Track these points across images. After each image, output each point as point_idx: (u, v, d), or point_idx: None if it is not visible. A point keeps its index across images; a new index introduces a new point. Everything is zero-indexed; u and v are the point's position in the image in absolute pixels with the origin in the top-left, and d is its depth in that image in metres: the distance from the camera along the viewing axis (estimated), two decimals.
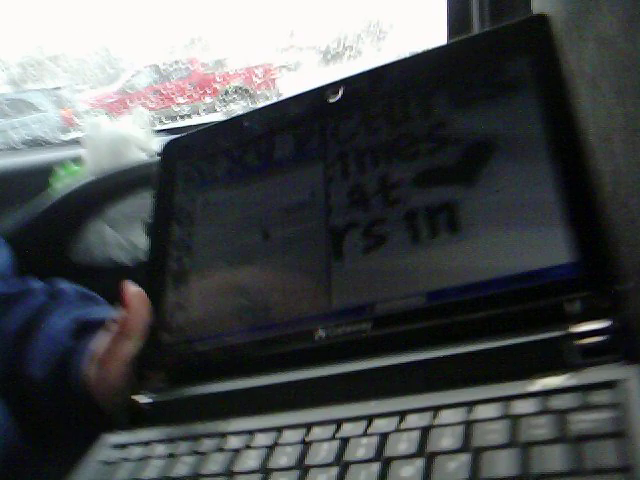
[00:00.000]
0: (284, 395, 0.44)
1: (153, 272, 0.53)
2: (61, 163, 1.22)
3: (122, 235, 1.11)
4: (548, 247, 0.40)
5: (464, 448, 0.34)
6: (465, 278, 0.42)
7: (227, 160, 0.54)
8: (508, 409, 0.36)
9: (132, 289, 0.50)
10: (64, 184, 1.15)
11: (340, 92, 0.51)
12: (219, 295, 0.50)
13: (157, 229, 0.54)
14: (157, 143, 1.17)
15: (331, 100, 0.51)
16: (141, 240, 1.10)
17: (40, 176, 1.19)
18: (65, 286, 0.65)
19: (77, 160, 1.20)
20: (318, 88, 0.52)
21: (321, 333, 0.45)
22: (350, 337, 0.44)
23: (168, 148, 0.57)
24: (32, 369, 0.57)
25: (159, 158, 0.57)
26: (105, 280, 0.65)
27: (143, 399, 0.49)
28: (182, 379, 0.49)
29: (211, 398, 0.47)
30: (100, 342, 0.52)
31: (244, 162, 0.53)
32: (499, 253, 0.42)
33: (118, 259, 1.10)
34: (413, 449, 0.35)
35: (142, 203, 1.09)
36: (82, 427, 0.52)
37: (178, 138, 0.57)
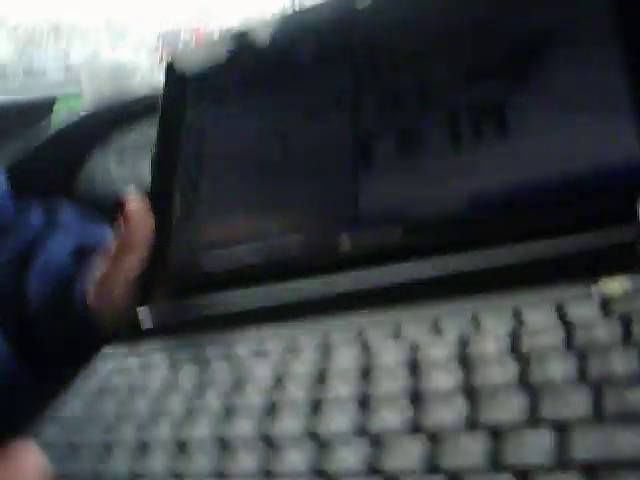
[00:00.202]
0: (300, 305, 0.39)
1: (159, 183, 0.48)
2: (61, 96, 1.17)
3: (127, 167, 1.07)
4: (614, 142, 0.35)
5: (509, 354, 0.29)
6: (513, 180, 0.37)
7: (242, 69, 0.49)
8: (563, 313, 0.30)
9: (132, 202, 0.45)
10: (64, 117, 1.09)
11: None
12: (232, 204, 0.45)
13: (164, 142, 0.49)
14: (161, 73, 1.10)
15: (360, 6, 0.45)
16: (147, 172, 1.06)
17: (40, 109, 1.14)
18: (65, 207, 0.61)
19: (77, 94, 1.14)
20: None
21: (345, 241, 0.40)
22: (380, 248, 0.39)
23: (176, 59, 0.52)
24: (31, 296, 0.53)
25: (166, 69, 0.52)
26: (109, 214, 0.60)
27: (145, 312, 0.44)
28: (189, 295, 0.44)
29: (219, 308, 0.42)
30: (101, 262, 0.48)
31: (261, 70, 0.48)
32: (553, 152, 0.36)
33: (122, 192, 1.05)
34: (451, 355, 0.30)
35: (148, 134, 1.03)
36: (85, 353, 0.47)
37: (187, 48, 0.52)
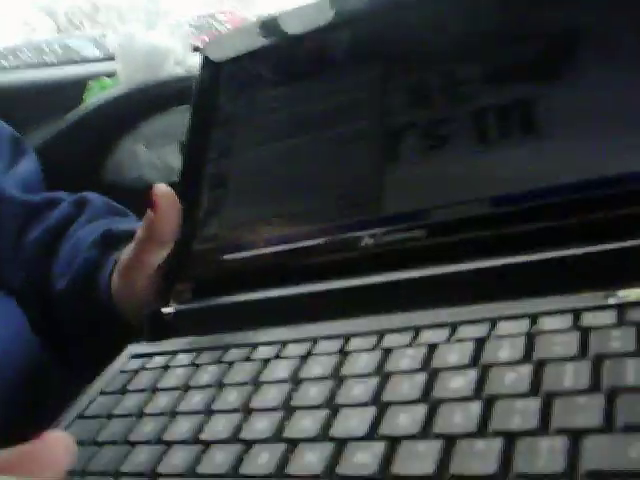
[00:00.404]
0: (321, 305, 0.40)
1: (188, 175, 0.49)
2: (95, 77, 1.14)
3: (156, 154, 1.06)
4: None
5: (525, 360, 0.29)
6: (538, 182, 0.37)
7: (275, 57, 0.50)
8: (579, 320, 0.30)
9: (162, 189, 0.46)
10: (96, 98, 1.08)
11: None
12: (259, 200, 0.46)
13: (195, 131, 0.50)
14: (195, 58, 1.09)
15: None
16: (176, 161, 1.05)
17: (74, 90, 1.12)
18: (92, 196, 0.61)
19: (111, 75, 1.13)
20: None
21: (368, 240, 0.40)
22: (401, 245, 0.39)
23: (212, 46, 0.53)
24: (55, 281, 0.54)
25: (201, 56, 0.52)
26: (136, 201, 0.61)
27: (169, 309, 0.45)
28: (212, 290, 0.44)
29: (241, 307, 0.42)
30: (126, 251, 0.48)
31: (295, 59, 0.49)
32: (580, 157, 0.36)
33: (150, 179, 1.04)
34: (465, 360, 0.31)
35: (179, 121, 1.03)
36: (107, 341, 0.48)
37: (223, 35, 0.53)
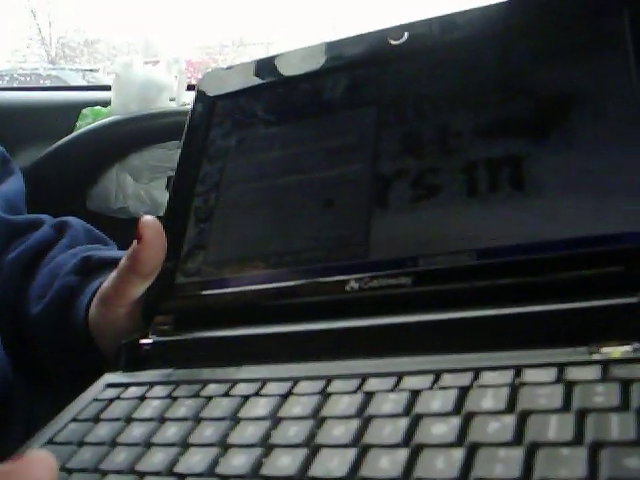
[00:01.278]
0: (304, 345, 0.39)
1: (175, 207, 0.49)
2: (89, 105, 1.16)
3: (143, 187, 1.06)
4: (624, 211, 0.36)
5: (509, 410, 0.29)
6: (524, 237, 0.37)
7: (270, 97, 0.50)
8: (562, 374, 0.31)
9: (149, 220, 0.45)
10: (88, 125, 1.09)
11: (405, 35, 0.47)
12: (245, 237, 0.46)
13: (185, 163, 0.50)
14: (189, 95, 1.10)
15: (394, 42, 0.47)
16: (162, 196, 1.04)
17: (67, 116, 1.13)
18: (74, 221, 0.61)
19: (106, 104, 1.14)
20: (381, 30, 0.47)
21: (353, 284, 0.40)
22: (386, 291, 0.39)
23: (207, 79, 0.53)
24: (31, 305, 0.53)
25: (196, 89, 0.53)
26: (118, 231, 0.60)
27: (147, 340, 0.44)
28: (193, 324, 0.44)
29: (221, 343, 0.42)
30: (108, 279, 0.48)
31: (289, 100, 0.49)
32: (564, 213, 0.37)
33: (135, 211, 1.04)
34: (449, 407, 0.30)
35: (168, 156, 1.03)
36: (81, 369, 0.47)
37: (219, 69, 0.53)
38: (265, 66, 0.51)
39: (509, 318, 0.35)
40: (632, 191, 0.36)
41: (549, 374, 0.31)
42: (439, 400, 0.31)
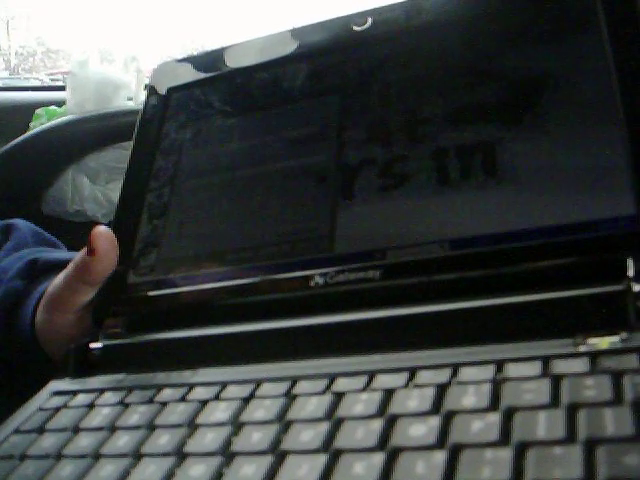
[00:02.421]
0: (266, 346, 0.37)
1: (126, 204, 0.46)
2: (43, 105, 1.12)
3: (100, 189, 1.02)
4: (606, 196, 0.34)
5: (492, 407, 0.27)
6: (499, 226, 0.35)
7: (228, 88, 0.47)
8: (548, 368, 0.28)
9: (102, 231, 0.42)
10: (42, 125, 1.04)
11: (369, 21, 0.44)
12: (201, 234, 0.43)
13: (137, 158, 0.47)
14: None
15: (357, 28, 0.44)
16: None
17: (21, 117, 1.10)
18: (21, 224, 0.57)
19: (61, 104, 1.10)
20: (344, 16, 0.45)
21: (318, 279, 0.38)
22: (353, 286, 0.37)
23: (160, 71, 0.50)
24: None
25: (149, 82, 0.50)
26: (74, 234, 0.57)
27: (96, 344, 0.41)
28: (146, 326, 0.41)
29: (177, 345, 0.39)
30: (54, 284, 0.44)
31: (248, 90, 0.47)
32: (543, 200, 0.35)
33: (92, 214, 1.00)
34: (426, 406, 0.28)
35: (126, 156, 0.99)
36: (27, 376, 0.44)
37: (173, 61, 0.50)
38: (222, 56, 0.48)
39: (487, 310, 0.33)
40: (611, 176, 0.34)
41: (533, 368, 0.29)
42: (415, 399, 0.29)
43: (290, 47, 0.46)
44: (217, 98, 0.47)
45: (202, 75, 0.48)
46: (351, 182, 0.40)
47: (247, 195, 0.42)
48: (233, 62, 0.48)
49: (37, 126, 1.06)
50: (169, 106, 0.48)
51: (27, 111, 1.11)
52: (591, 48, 0.38)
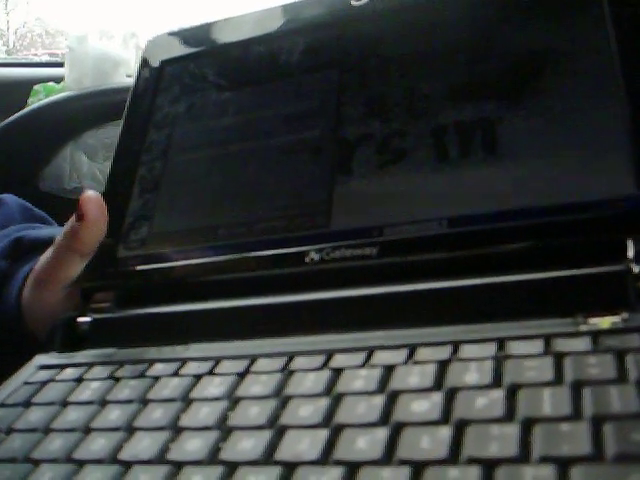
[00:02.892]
0: (260, 321, 0.36)
1: (117, 176, 0.45)
2: (42, 81, 1.10)
3: (98, 166, 1.00)
4: (607, 176, 0.33)
5: (495, 384, 0.27)
6: (498, 204, 0.35)
7: (223, 61, 0.46)
8: (550, 346, 0.28)
9: (92, 196, 0.41)
10: (40, 102, 1.03)
11: None
12: (194, 206, 0.42)
13: (129, 130, 0.46)
14: None
15: (355, 3, 0.44)
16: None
17: (19, 93, 1.09)
18: (8, 199, 0.56)
19: (59, 81, 1.08)
20: None
21: (314, 255, 0.37)
22: (349, 263, 0.36)
23: (153, 44, 0.49)
24: None
25: (142, 54, 0.49)
26: (72, 213, 0.56)
27: (85, 318, 0.40)
28: (137, 301, 0.40)
29: (168, 319, 0.38)
30: (42, 259, 0.43)
31: (243, 64, 0.46)
32: (543, 178, 0.35)
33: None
34: (428, 383, 0.28)
35: None
36: (14, 356, 0.43)
37: (167, 34, 0.49)
38: (217, 29, 0.48)
39: (486, 289, 0.33)
40: (612, 155, 0.34)
41: (535, 346, 0.28)
42: (416, 376, 0.28)
43: (287, 21, 0.45)
44: (211, 71, 0.46)
45: (196, 48, 0.48)
46: (349, 158, 0.39)
47: (242, 170, 0.42)
48: (228, 35, 0.47)
49: (35, 102, 1.05)
50: (162, 79, 0.47)
51: (25, 87, 1.09)
52: (593, 23, 0.37)
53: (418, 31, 0.41)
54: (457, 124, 0.38)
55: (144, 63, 0.48)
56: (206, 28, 0.48)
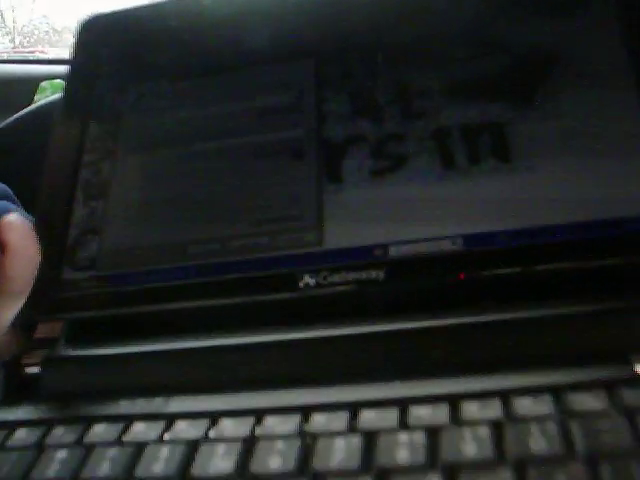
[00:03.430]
0: (228, 370, 0.31)
1: (53, 181, 0.38)
2: (49, 79, 1.12)
3: None
4: (635, 185, 0.30)
5: (568, 453, 0.23)
6: (519, 219, 0.31)
7: (177, 45, 0.40)
8: (616, 397, 0.25)
9: (13, 219, 0.33)
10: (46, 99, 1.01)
11: None
12: (153, 217, 0.36)
13: (64, 126, 0.39)
14: None
15: None
16: None
17: (25, 89, 1.11)
18: None
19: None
20: None
21: (308, 280, 0.32)
22: (351, 287, 0.31)
23: (90, 24, 0.42)
24: None
25: (76, 36, 0.41)
26: None
27: (29, 361, 0.33)
28: (93, 335, 0.34)
29: (122, 361, 0.32)
30: None
31: (202, 49, 0.39)
32: (561, 192, 0.31)
33: None
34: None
35: None
36: None
37: (107, 14, 0.41)
38: (170, 8, 0.40)
39: (512, 324, 0.29)
40: (632, 161, 0.30)
41: (598, 398, 0.25)
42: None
43: (256, 1, 0.39)
44: (164, 57, 0.39)
45: (144, 31, 0.40)
46: (338, 162, 0.34)
47: (210, 174, 0.36)
48: (186, 16, 0.40)
49: (42, 99, 1.04)
50: (102, 66, 0.40)
51: (32, 84, 1.11)
52: (606, 18, 0.34)
53: (410, 17, 0.36)
54: (462, 127, 0.33)
55: (79, 47, 0.41)
56: (156, 7, 0.41)
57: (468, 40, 0.35)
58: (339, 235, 0.33)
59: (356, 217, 0.33)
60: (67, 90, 0.40)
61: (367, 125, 0.34)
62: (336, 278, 0.32)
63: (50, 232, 0.35)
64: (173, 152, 0.37)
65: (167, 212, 0.36)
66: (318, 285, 0.32)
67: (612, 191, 0.30)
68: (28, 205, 0.57)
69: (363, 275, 0.31)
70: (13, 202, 0.53)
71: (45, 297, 0.35)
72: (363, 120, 0.35)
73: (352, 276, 0.31)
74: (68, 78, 0.40)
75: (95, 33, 0.41)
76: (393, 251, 0.32)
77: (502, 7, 0.35)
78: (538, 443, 0.23)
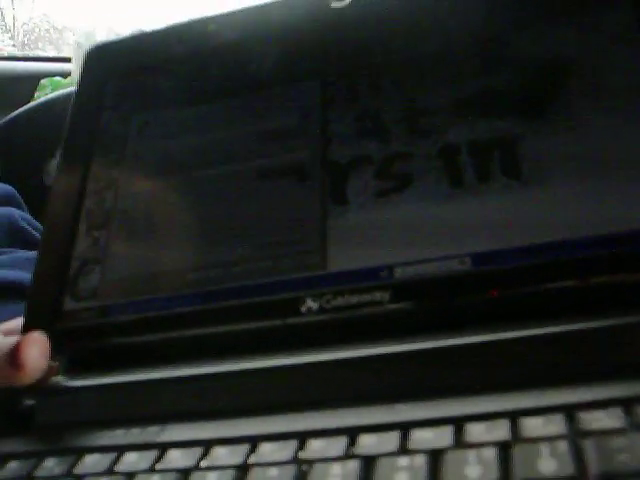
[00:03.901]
0: (225, 398, 0.29)
1: (58, 210, 0.37)
2: (49, 76, 1.14)
3: None
4: None
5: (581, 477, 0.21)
6: (532, 237, 0.29)
7: (181, 72, 0.40)
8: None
9: (34, 336, 0.32)
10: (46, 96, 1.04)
11: None
12: (156, 245, 0.35)
13: (70, 155, 0.39)
14: None
15: (336, 5, 0.38)
16: None
17: (26, 87, 1.13)
18: (4, 212, 0.49)
19: (67, 76, 1.12)
20: None
21: (311, 304, 0.31)
22: (357, 311, 0.30)
23: (96, 53, 0.42)
24: None
25: (81, 65, 0.42)
26: None
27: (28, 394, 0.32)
28: (93, 366, 0.33)
29: (119, 390, 0.31)
30: None
31: (206, 75, 0.39)
32: (580, 207, 0.29)
33: None
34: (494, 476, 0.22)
35: None
36: None
37: (111, 42, 0.42)
38: (173, 35, 0.40)
39: (529, 343, 0.27)
40: None
41: (617, 417, 0.23)
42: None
43: (259, 26, 0.39)
44: (168, 85, 0.39)
45: (149, 57, 0.40)
46: (343, 184, 0.33)
47: (212, 200, 0.35)
48: (189, 42, 0.40)
49: (42, 96, 1.06)
50: (107, 94, 0.40)
51: (32, 81, 1.13)
52: (621, 28, 0.32)
53: (413, 36, 0.36)
54: (470, 144, 0.32)
55: (85, 76, 0.41)
56: (161, 34, 0.41)
57: (475, 55, 0.34)
58: (343, 257, 0.31)
59: (361, 239, 0.32)
60: (72, 117, 0.40)
61: (373, 145, 0.33)
62: (340, 301, 0.30)
63: (53, 260, 0.34)
64: (176, 179, 0.36)
65: (167, 240, 0.35)
66: (321, 309, 0.30)
67: (627, 207, 0.29)
68: (29, 200, 0.57)
69: (368, 298, 0.30)
70: (19, 205, 0.54)
71: (46, 326, 0.34)
72: (369, 141, 0.34)
73: (356, 299, 0.30)
74: (72, 105, 0.40)
75: (99, 61, 0.41)
76: (399, 272, 0.30)
77: (509, 19, 0.34)
78: (548, 464, 0.21)
